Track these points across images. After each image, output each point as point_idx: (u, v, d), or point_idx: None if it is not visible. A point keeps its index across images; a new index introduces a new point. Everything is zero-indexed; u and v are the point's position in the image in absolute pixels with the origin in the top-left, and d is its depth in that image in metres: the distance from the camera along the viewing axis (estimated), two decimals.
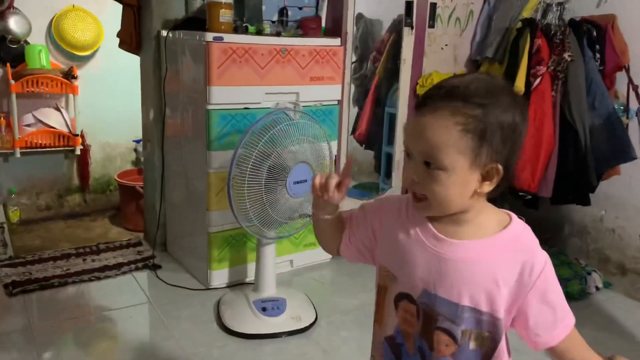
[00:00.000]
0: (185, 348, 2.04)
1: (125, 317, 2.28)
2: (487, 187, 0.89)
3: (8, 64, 3.32)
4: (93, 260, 2.73)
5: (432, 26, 2.92)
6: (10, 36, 3.35)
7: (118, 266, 2.66)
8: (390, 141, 3.17)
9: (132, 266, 2.67)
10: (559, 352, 0.96)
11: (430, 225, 0.94)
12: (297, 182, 2.08)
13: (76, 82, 3.48)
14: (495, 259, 0.90)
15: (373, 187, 3.36)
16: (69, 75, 3.46)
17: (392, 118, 3.13)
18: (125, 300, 2.41)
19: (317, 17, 2.66)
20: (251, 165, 1.98)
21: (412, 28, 2.85)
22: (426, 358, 0.97)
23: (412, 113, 0.90)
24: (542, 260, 0.91)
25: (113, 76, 3.71)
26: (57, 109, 3.56)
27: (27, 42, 3.44)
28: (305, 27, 2.57)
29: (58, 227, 3.67)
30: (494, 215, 0.94)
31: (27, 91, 3.32)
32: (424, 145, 0.86)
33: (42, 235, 3.50)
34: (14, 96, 3.28)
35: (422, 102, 0.88)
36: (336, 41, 2.59)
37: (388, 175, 3.22)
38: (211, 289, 2.49)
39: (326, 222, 1.07)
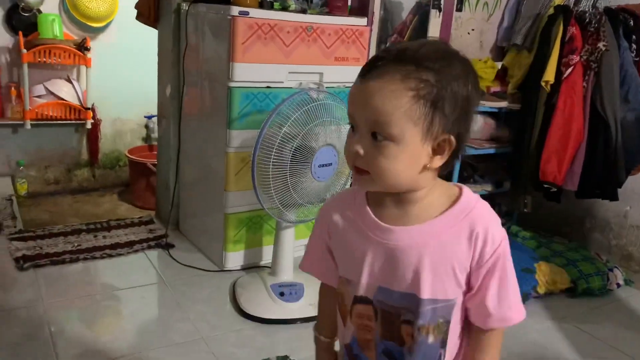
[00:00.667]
0: (200, 330, 1.99)
1: (137, 297, 2.23)
2: (438, 161, 0.81)
3: (20, 33, 3.23)
4: (104, 237, 2.68)
5: (459, 9, 2.84)
6: (22, 4, 3.25)
7: (130, 244, 2.61)
8: None
9: (144, 244, 2.62)
10: (477, 342, 0.89)
11: (371, 214, 0.86)
12: (322, 165, 2.01)
13: (89, 54, 3.39)
14: (447, 240, 0.82)
15: None
16: (82, 46, 3.37)
17: None
18: (138, 279, 2.36)
19: None
20: (277, 146, 1.92)
21: (439, 10, 2.76)
22: (395, 354, 0.88)
23: (357, 79, 0.79)
24: (498, 237, 0.82)
25: (126, 50, 3.61)
26: (69, 81, 3.47)
27: (39, 11, 3.34)
28: (332, 5, 2.48)
29: (66, 201, 3.61)
30: (444, 191, 0.86)
31: (39, 61, 3.23)
32: (371, 114, 0.77)
33: (50, 210, 3.45)
34: (25, 66, 3.20)
35: (368, 67, 0.79)
36: (363, 21, 2.51)
37: None
38: (226, 271, 2.43)
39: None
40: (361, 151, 0.79)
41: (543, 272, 2.43)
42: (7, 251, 2.45)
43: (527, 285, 2.36)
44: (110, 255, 2.50)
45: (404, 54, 0.77)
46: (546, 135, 2.56)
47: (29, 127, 3.33)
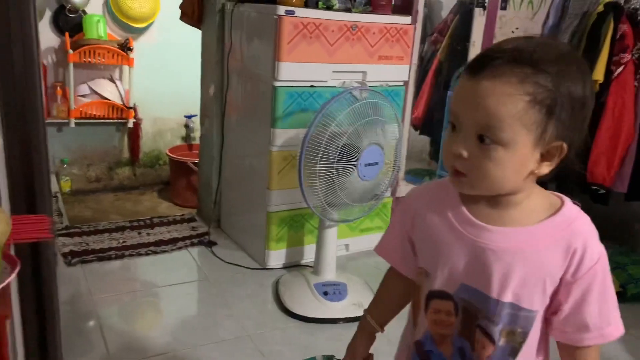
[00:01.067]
0: (246, 328, 2.00)
1: (182, 293, 2.26)
2: (546, 167, 0.78)
3: (67, 34, 3.31)
4: (148, 234, 2.72)
5: (504, 8, 2.79)
6: (69, 5, 3.33)
7: (173, 241, 2.65)
8: None
9: (187, 242, 2.65)
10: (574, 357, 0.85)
11: (464, 209, 0.84)
12: (368, 165, 2.01)
13: (132, 54, 3.46)
14: (543, 250, 0.79)
15: (425, 174, 3.27)
16: (125, 47, 3.43)
17: None
18: (182, 276, 2.39)
19: None
20: (324, 145, 1.92)
21: (484, 9, 2.72)
22: (467, 353, 0.86)
23: (464, 76, 0.75)
24: (596, 253, 0.79)
25: (167, 50, 3.67)
26: (112, 81, 3.54)
27: (85, 12, 3.42)
28: (375, 4, 2.47)
29: (107, 199, 3.68)
30: (544, 198, 0.82)
31: (84, 61, 3.30)
32: (482, 116, 0.73)
33: (93, 207, 3.52)
34: (71, 66, 3.27)
35: (480, 64, 0.74)
36: (407, 19, 2.49)
37: None
38: (268, 269, 2.44)
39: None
40: (465, 154, 0.76)
41: None
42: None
43: None
44: (155, 252, 2.54)
45: (520, 55, 0.73)
46: (594, 135, 2.50)
47: (73, 125, 3.41)
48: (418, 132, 3.39)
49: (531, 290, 0.81)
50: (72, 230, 2.71)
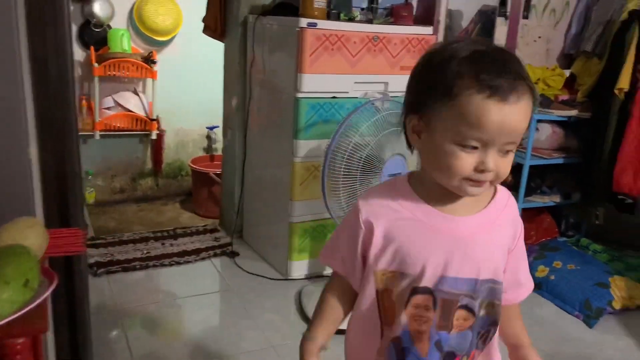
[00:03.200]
0: (270, 339, 2.01)
1: (207, 304, 2.28)
2: None
3: (92, 47, 3.38)
4: (171, 245, 2.75)
5: (526, 17, 2.78)
6: (94, 20, 3.40)
7: (196, 252, 2.67)
8: None
9: (210, 252, 2.67)
10: (512, 314, 1.00)
11: (430, 206, 0.90)
12: (392, 175, 2.00)
13: (155, 67, 3.51)
14: (500, 227, 0.92)
15: None
16: (149, 60, 3.49)
17: None
18: (206, 286, 2.41)
19: (409, 4, 2.56)
20: (347, 156, 1.92)
21: (506, 18, 2.71)
22: (443, 344, 0.91)
23: (492, 102, 0.78)
24: (521, 221, 0.97)
25: (189, 62, 3.72)
26: (135, 93, 3.60)
27: (109, 27, 3.48)
28: (397, 15, 2.48)
29: (131, 209, 3.73)
30: None
31: (109, 75, 3.36)
32: (515, 135, 0.81)
33: (116, 218, 3.56)
34: (96, 79, 3.34)
35: (507, 89, 0.79)
36: (428, 30, 2.49)
37: None
38: (290, 280, 2.45)
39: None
40: (493, 167, 0.82)
41: (618, 287, 2.33)
42: None
43: (602, 300, 2.27)
44: (178, 263, 2.56)
45: (517, 71, 0.81)
46: (620, 144, 2.47)
47: (98, 137, 3.47)
48: None
49: (499, 265, 0.93)
50: (97, 242, 2.75)
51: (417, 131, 0.87)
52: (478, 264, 0.90)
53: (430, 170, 0.88)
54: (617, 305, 2.29)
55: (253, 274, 2.49)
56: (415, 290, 0.90)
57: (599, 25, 2.69)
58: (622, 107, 2.49)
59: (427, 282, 0.89)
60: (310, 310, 2.15)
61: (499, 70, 0.79)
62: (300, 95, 2.25)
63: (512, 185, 2.60)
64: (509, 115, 0.79)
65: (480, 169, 0.82)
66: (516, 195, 2.57)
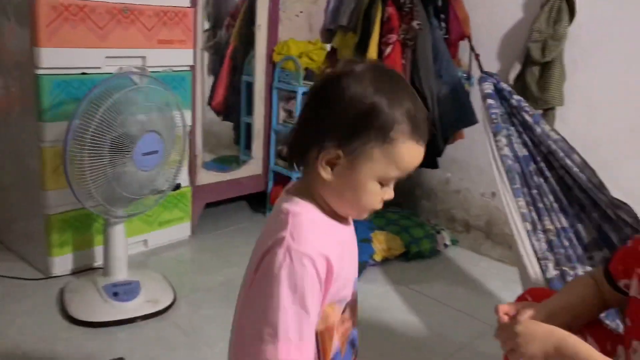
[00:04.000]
0: (21, 345, 1.80)
1: None
2: None
3: None
4: None
5: None
6: None
7: None
8: (249, 111, 3.07)
9: None
10: None
11: (341, 225, 0.94)
12: (147, 154, 1.91)
13: None
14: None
15: (233, 160, 3.25)
16: None
17: (250, 86, 3.03)
18: None
19: None
20: (91, 136, 1.77)
21: None
22: (355, 340, 1.02)
23: (419, 146, 0.86)
24: None
25: None
26: None
27: None
28: None
29: None
30: None
31: None
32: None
33: None
34: None
35: (425, 133, 0.86)
36: (185, 2, 2.41)
37: (248, 146, 3.13)
38: (53, 277, 2.23)
39: None
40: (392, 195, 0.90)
41: (379, 240, 2.57)
42: None
43: (365, 254, 2.47)
44: None
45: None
46: None
47: None
48: (221, 118, 3.36)
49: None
50: None
51: (331, 164, 0.85)
52: (355, 265, 0.99)
53: (336, 200, 0.88)
54: (377, 257, 2.52)
55: (6, 276, 2.21)
56: (345, 308, 0.96)
57: (352, 1, 2.87)
58: None
59: (352, 294, 0.97)
60: (72, 307, 1.98)
61: (422, 112, 0.85)
62: (40, 71, 2.02)
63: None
64: (421, 152, 0.87)
65: (385, 200, 0.89)
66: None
